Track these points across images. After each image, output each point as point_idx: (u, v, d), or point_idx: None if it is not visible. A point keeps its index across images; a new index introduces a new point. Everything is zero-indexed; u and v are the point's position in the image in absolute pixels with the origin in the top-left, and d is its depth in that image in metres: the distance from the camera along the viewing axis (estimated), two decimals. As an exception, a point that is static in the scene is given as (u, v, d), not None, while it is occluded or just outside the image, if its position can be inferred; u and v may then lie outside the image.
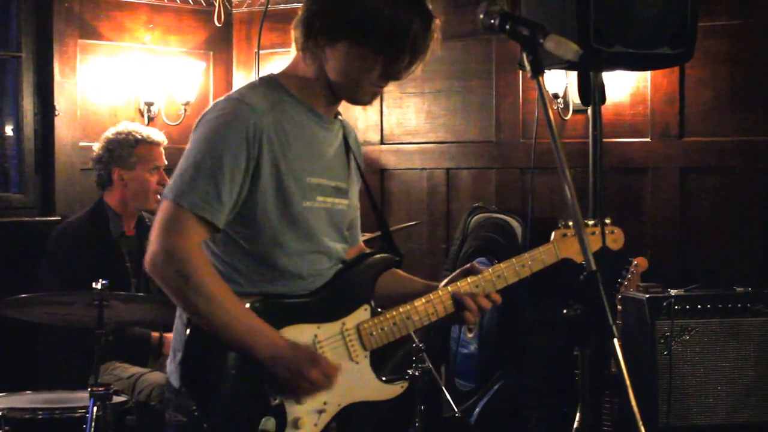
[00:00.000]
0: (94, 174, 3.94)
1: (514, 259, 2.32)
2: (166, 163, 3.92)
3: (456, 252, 4.69)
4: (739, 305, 3.64)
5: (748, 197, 4.24)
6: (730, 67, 4.27)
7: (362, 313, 2.20)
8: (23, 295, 3.19)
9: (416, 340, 3.59)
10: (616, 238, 2.52)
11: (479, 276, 2.27)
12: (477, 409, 4.29)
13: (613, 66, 3.21)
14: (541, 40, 1.87)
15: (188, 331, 2.08)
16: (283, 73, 2.20)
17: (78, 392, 3.30)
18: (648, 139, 4.44)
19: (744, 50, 4.25)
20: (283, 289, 2.13)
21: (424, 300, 2.23)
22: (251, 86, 2.17)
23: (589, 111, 3.07)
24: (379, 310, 2.23)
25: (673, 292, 3.65)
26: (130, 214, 3.89)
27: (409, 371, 3.57)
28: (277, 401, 2.09)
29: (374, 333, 2.20)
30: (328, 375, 2.10)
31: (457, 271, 2.31)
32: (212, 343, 2.06)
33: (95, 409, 2.90)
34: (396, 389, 2.25)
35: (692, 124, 4.35)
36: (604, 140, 3.13)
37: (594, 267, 1.80)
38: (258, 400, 2.08)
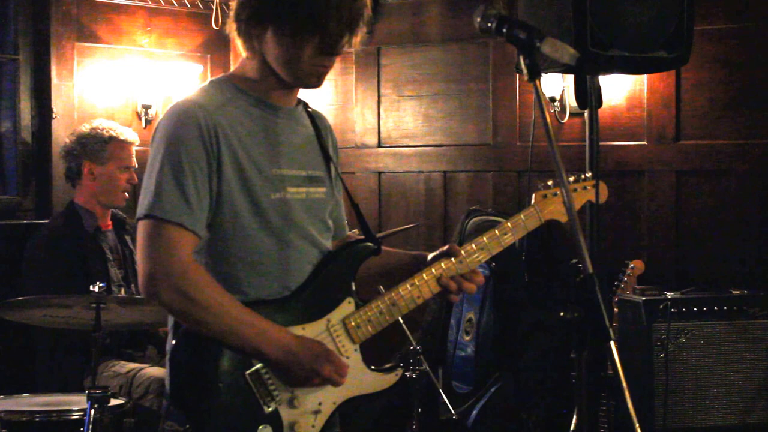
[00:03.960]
0: (64, 167, 3.97)
1: (496, 230, 2.25)
2: (136, 165, 3.96)
3: (453, 255, 4.69)
4: (735, 308, 3.65)
5: (744, 200, 4.24)
6: (726, 70, 4.28)
7: (346, 307, 2.16)
8: (20, 298, 3.19)
9: (413, 342, 3.59)
10: (601, 191, 2.44)
11: (463, 252, 2.21)
12: (474, 412, 4.29)
13: (609, 69, 3.22)
14: (538, 44, 1.88)
15: (174, 342, 2.05)
16: (234, 72, 2.19)
17: (75, 395, 3.30)
18: (644, 143, 4.45)
19: (740, 54, 4.26)
20: (263, 289, 2.09)
21: (408, 285, 2.18)
22: (201, 88, 2.15)
23: (586, 114, 3.08)
24: (363, 301, 2.18)
25: (669, 294, 3.66)
26: (101, 210, 3.92)
27: (407, 375, 3.57)
28: (270, 408, 2.05)
29: (361, 325, 2.15)
30: (341, 371, 2.08)
31: (440, 250, 2.24)
32: (199, 356, 2.02)
33: (92, 411, 2.90)
34: (391, 378, 2.21)
35: (688, 127, 4.36)
36: (601, 143, 3.14)
37: (591, 270, 1.80)
38: (251, 410, 2.04)
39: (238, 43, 2.14)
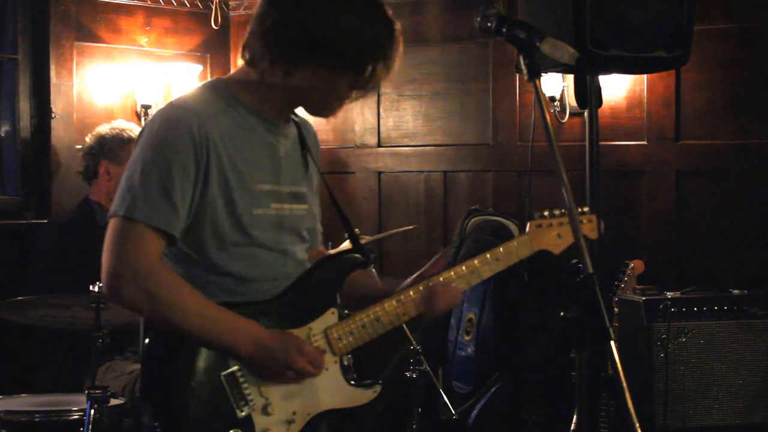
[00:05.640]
0: (82, 165, 3.98)
1: (488, 254, 2.25)
2: None
3: (453, 255, 4.69)
4: (735, 307, 3.65)
5: (744, 200, 4.24)
6: (726, 70, 4.28)
7: (329, 317, 2.12)
8: (20, 298, 3.19)
9: (413, 342, 3.59)
10: (593, 227, 2.44)
11: (452, 272, 2.20)
12: (474, 412, 4.28)
13: (609, 69, 3.22)
14: (538, 44, 1.88)
15: (147, 341, 2.02)
16: (231, 78, 2.14)
17: (75, 395, 3.30)
18: (644, 142, 4.45)
19: (740, 54, 4.26)
20: (242, 298, 2.06)
21: (394, 301, 2.15)
22: (196, 91, 2.12)
23: (586, 114, 3.07)
24: (347, 312, 2.15)
25: (669, 294, 3.66)
26: None
27: (408, 375, 3.57)
28: (243, 413, 2.01)
29: (342, 337, 2.11)
30: (316, 363, 2.04)
31: (416, 274, 2.22)
32: (173, 354, 1.98)
33: (92, 411, 2.90)
34: (369, 394, 2.17)
35: (688, 127, 4.36)
36: (601, 143, 3.13)
37: (591, 269, 1.80)
38: (224, 414, 2.00)
39: (255, 52, 2.06)
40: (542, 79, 4.06)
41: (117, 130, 3.94)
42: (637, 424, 1.75)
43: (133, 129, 3.97)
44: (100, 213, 3.90)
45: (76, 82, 4.76)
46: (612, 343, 1.77)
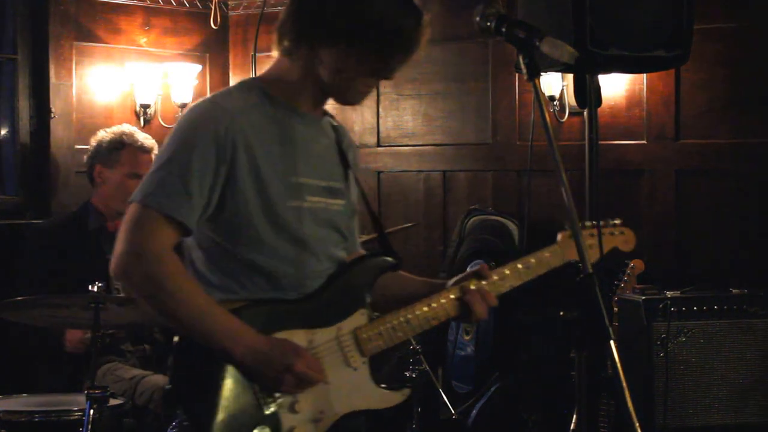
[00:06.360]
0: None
1: (518, 263, 2.24)
2: None
3: (453, 254, 4.70)
4: (735, 307, 3.65)
5: (743, 199, 4.24)
6: (725, 69, 4.28)
7: (359, 318, 2.12)
8: (20, 298, 3.19)
9: (413, 342, 3.59)
10: (627, 239, 2.48)
11: (495, 276, 2.20)
12: (474, 411, 4.29)
13: (609, 69, 3.22)
14: (538, 43, 1.87)
15: (175, 340, 2.03)
16: (264, 76, 2.17)
17: (74, 395, 3.30)
18: (644, 142, 4.45)
19: (739, 53, 4.26)
20: (275, 294, 2.06)
21: (425, 306, 2.15)
22: (227, 90, 2.14)
23: (585, 113, 3.07)
24: (377, 314, 2.14)
25: (669, 293, 3.66)
26: (113, 214, 3.93)
27: (407, 375, 3.57)
28: (270, 410, 2.01)
29: (372, 338, 2.10)
30: (315, 367, 2.02)
31: (461, 275, 2.22)
32: (201, 351, 1.99)
33: (92, 411, 2.90)
34: (397, 397, 2.15)
35: (688, 126, 4.36)
36: (600, 142, 3.13)
37: (590, 269, 1.80)
38: (251, 410, 2.00)
39: (279, 42, 2.10)
40: (542, 78, 4.06)
41: (111, 135, 3.94)
42: (637, 424, 1.75)
43: (131, 134, 3.95)
44: (94, 217, 3.90)
45: (76, 82, 4.76)
46: (612, 342, 1.77)
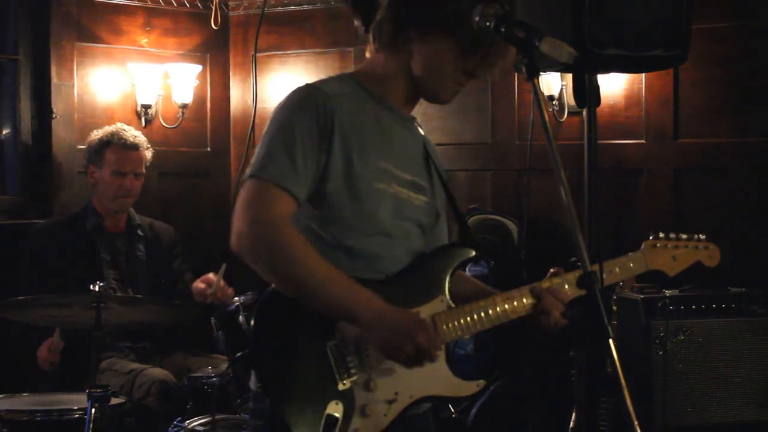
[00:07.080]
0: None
1: (605, 267, 2.24)
2: (141, 170, 4.00)
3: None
4: (733, 305, 3.66)
5: (742, 198, 4.25)
6: (724, 69, 4.29)
7: (438, 304, 2.10)
8: (20, 298, 3.20)
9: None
10: (711, 254, 2.51)
11: (559, 280, 2.18)
12: (474, 410, 4.29)
13: (607, 68, 3.23)
14: (537, 43, 1.88)
15: (252, 323, 2.02)
16: (359, 69, 2.20)
17: (76, 394, 3.31)
18: (643, 141, 4.46)
19: (738, 52, 4.27)
20: (356, 273, 2.04)
21: (505, 297, 2.14)
22: (323, 78, 2.18)
23: (584, 113, 3.08)
24: (454, 304, 2.12)
25: (667, 292, 3.67)
26: (110, 213, 3.96)
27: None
28: (345, 386, 2.00)
29: (450, 325, 2.09)
30: (434, 343, 1.98)
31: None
32: (283, 318, 1.99)
33: (93, 410, 2.91)
34: (472, 387, 2.16)
35: (686, 125, 4.37)
36: (599, 142, 3.14)
37: (590, 268, 1.81)
38: (325, 383, 1.99)
39: (372, 46, 2.14)
40: (541, 78, 4.07)
41: (100, 135, 4.01)
42: (636, 422, 1.75)
43: (118, 133, 4.00)
44: (93, 217, 3.93)
45: (77, 83, 4.77)
46: (611, 341, 1.77)
